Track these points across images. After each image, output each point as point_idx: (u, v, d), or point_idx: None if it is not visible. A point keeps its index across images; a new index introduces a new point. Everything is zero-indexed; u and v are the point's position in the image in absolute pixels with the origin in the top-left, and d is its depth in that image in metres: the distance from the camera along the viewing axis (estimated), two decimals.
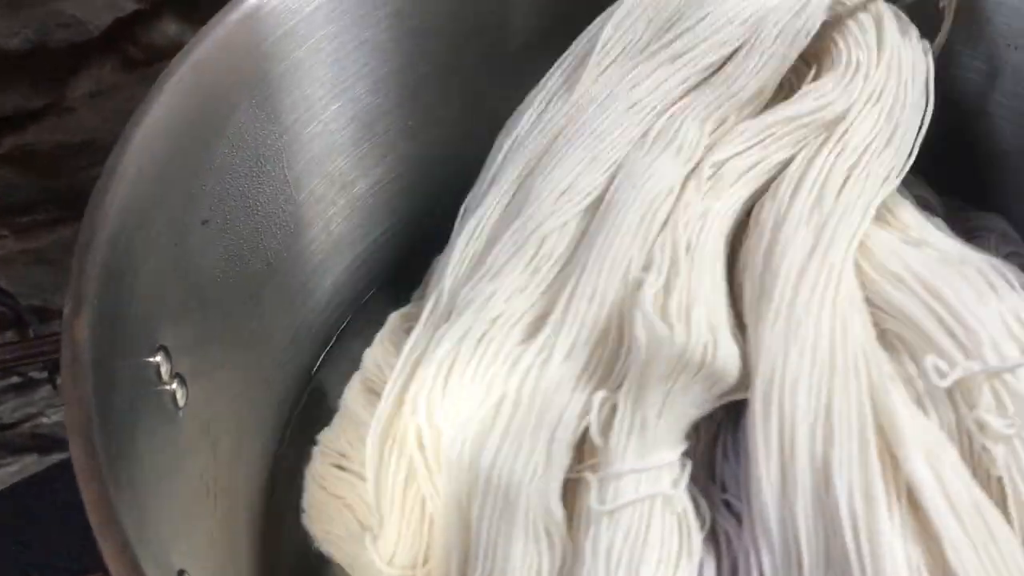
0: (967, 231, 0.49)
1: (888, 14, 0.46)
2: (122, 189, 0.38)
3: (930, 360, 0.38)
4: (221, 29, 0.43)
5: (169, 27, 0.67)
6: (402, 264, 0.56)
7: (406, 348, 0.42)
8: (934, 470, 0.36)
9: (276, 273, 0.48)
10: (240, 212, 0.45)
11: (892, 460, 0.37)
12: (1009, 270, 0.42)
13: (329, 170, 0.50)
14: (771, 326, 0.39)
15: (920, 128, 0.45)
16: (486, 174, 0.47)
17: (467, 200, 0.47)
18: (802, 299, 0.40)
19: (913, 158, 0.45)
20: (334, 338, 0.55)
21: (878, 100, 0.44)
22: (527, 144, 0.46)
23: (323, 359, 0.54)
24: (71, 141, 0.69)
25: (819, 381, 0.38)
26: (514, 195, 0.45)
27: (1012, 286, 0.41)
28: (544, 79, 0.48)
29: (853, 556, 0.35)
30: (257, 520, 0.47)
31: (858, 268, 0.42)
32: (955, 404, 0.38)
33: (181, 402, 0.40)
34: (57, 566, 0.68)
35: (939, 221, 0.46)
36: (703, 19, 0.45)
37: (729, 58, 0.45)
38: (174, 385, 0.40)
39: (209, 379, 0.43)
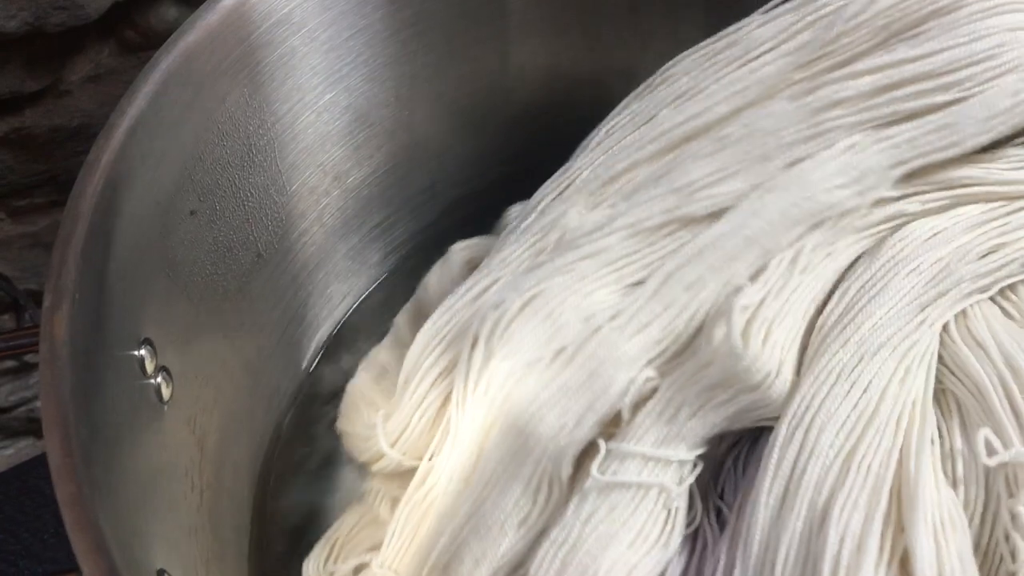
0: None
1: None
2: (105, 178, 0.37)
3: (984, 432, 0.36)
4: (213, 15, 0.42)
5: (168, 11, 0.67)
6: (399, 257, 0.55)
7: (496, 260, 0.42)
8: (937, 546, 0.34)
9: (267, 265, 0.48)
10: (230, 203, 0.44)
11: (898, 524, 0.35)
12: None
13: (322, 160, 0.49)
14: (833, 354, 0.38)
15: None
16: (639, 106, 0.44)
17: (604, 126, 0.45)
18: (877, 338, 0.38)
19: None
20: (331, 333, 0.54)
21: None
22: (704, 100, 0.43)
23: (320, 355, 0.53)
24: (68, 125, 0.68)
25: (854, 423, 0.36)
26: (670, 153, 0.42)
27: None
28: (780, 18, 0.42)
29: None
30: (245, 517, 0.46)
31: (944, 327, 0.39)
32: (991, 486, 0.36)
33: (166, 396, 0.40)
34: (47, 556, 0.67)
35: None
36: (948, 49, 0.38)
37: (956, 102, 0.38)
38: (159, 379, 0.39)
39: (196, 373, 0.42)
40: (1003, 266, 0.39)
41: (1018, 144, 0.40)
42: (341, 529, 0.44)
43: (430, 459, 0.41)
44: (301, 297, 0.51)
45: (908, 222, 0.40)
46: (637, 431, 0.38)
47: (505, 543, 0.38)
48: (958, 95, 0.38)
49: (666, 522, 0.38)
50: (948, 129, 0.38)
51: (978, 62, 0.38)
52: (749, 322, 0.38)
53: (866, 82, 0.39)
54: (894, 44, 0.40)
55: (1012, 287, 0.40)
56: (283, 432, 0.50)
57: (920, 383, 0.38)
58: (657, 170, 0.42)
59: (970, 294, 0.39)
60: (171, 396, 0.40)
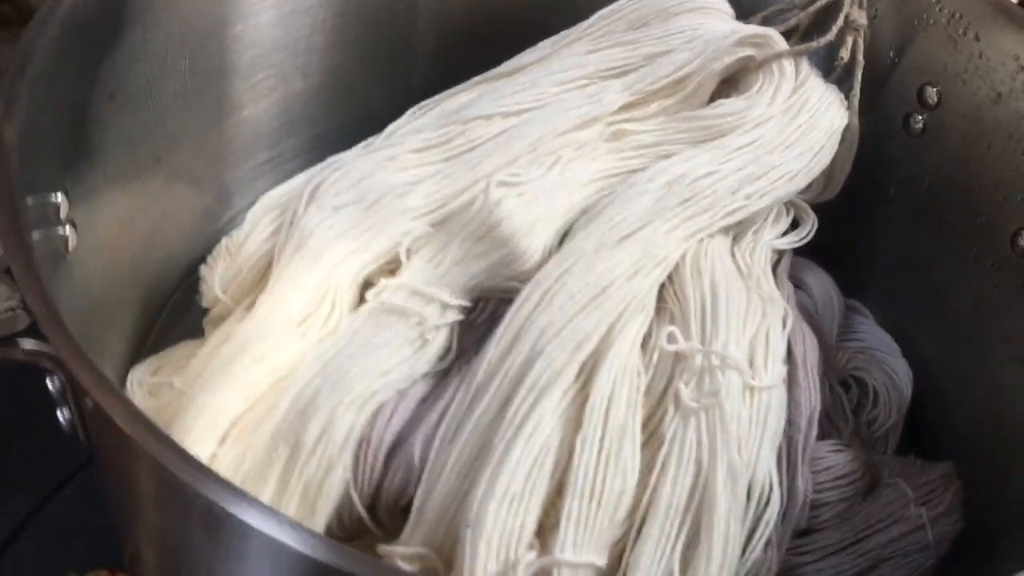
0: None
1: (810, 69, 0.56)
2: (46, 40, 0.42)
3: (670, 328, 0.48)
4: None
5: None
6: None
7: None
8: (612, 389, 0.44)
9: (162, 168, 0.52)
10: (142, 97, 0.49)
11: (593, 370, 0.44)
12: (792, 314, 0.52)
13: (224, 88, 0.54)
14: (578, 241, 0.48)
15: (811, 169, 0.54)
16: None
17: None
18: (615, 235, 0.48)
19: (788, 191, 0.54)
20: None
21: (758, 127, 0.53)
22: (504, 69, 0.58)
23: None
24: None
25: (581, 295, 0.46)
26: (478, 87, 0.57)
27: (784, 324, 0.50)
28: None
29: (510, 416, 0.42)
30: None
31: (683, 256, 0.51)
32: (673, 374, 0.46)
33: (71, 246, 0.43)
34: None
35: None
36: (661, 27, 0.57)
37: (664, 54, 0.56)
38: (67, 230, 0.43)
39: (93, 242, 0.46)
40: (719, 187, 0.51)
41: (731, 97, 0.56)
42: (173, 353, 0.50)
43: (249, 306, 0.48)
44: (199, 205, 0.56)
45: (662, 157, 0.53)
46: (410, 271, 0.49)
47: (287, 347, 0.45)
48: (663, 48, 0.56)
49: (419, 348, 0.47)
50: (659, 65, 0.55)
51: (675, 33, 0.56)
52: (508, 195, 0.50)
53: (610, 43, 0.57)
54: (630, 31, 0.57)
55: (741, 235, 0.53)
56: (163, 324, 0.55)
57: (646, 285, 0.48)
58: (468, 100, 0.56)
59: (693, 216, 0.51)
60: (74, 250, 0.43)
